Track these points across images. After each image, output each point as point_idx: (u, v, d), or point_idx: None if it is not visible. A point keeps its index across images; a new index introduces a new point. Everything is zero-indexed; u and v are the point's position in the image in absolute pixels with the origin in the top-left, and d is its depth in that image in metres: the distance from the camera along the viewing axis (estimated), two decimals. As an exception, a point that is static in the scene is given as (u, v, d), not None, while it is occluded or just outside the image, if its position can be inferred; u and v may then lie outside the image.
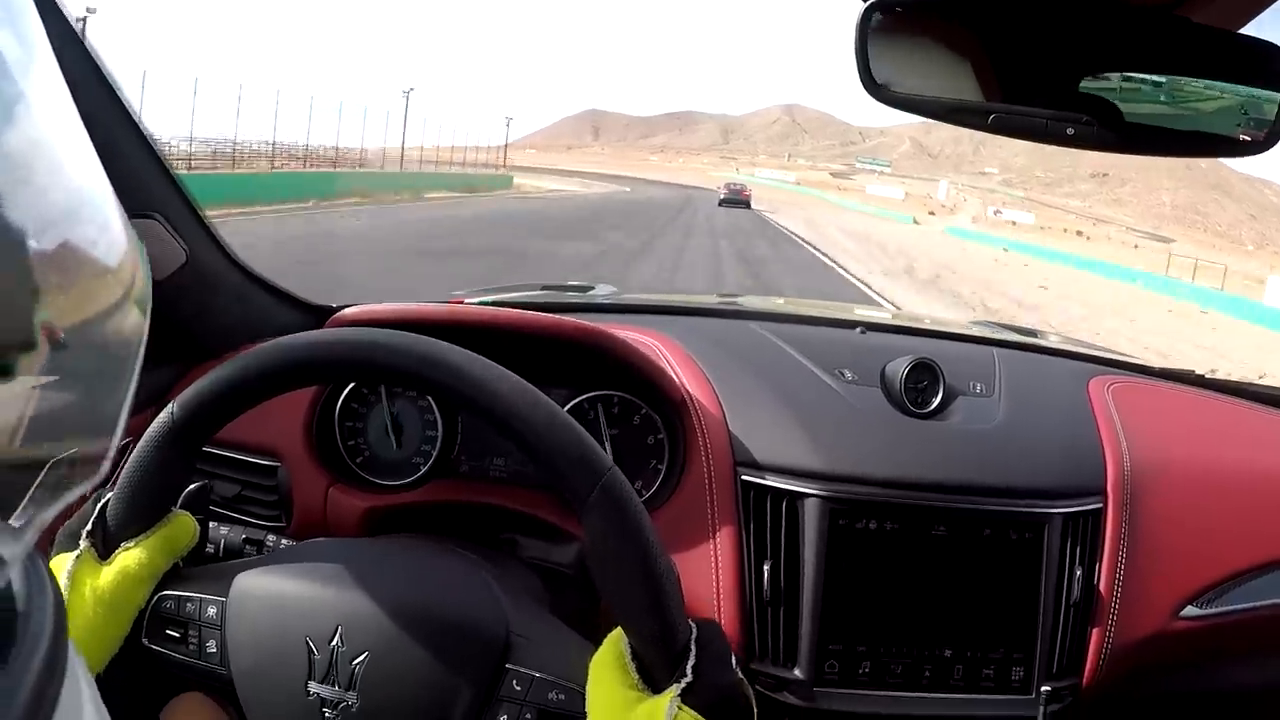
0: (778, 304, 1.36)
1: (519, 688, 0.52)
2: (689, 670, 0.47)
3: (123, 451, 0.92)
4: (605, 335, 0.86)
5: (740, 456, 0.84)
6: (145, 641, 0.55)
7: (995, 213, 59.26)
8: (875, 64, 0.58)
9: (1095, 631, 0.84)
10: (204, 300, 0.98)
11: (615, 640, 0.50)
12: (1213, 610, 0.87)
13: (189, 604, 0.54)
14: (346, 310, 0.90)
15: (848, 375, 0.92)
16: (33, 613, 0.24)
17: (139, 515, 0.54)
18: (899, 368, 0.89)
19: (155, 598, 0.55)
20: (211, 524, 0.71)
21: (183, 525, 0.57)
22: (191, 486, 0.60)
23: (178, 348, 0.98)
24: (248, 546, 0.73)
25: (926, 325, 1.25)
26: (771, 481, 0.82)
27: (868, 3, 0.56)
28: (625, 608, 0.48)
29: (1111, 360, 1.14)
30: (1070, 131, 0.56)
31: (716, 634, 0.51)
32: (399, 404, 0.92)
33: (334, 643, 0.51)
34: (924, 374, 0.89)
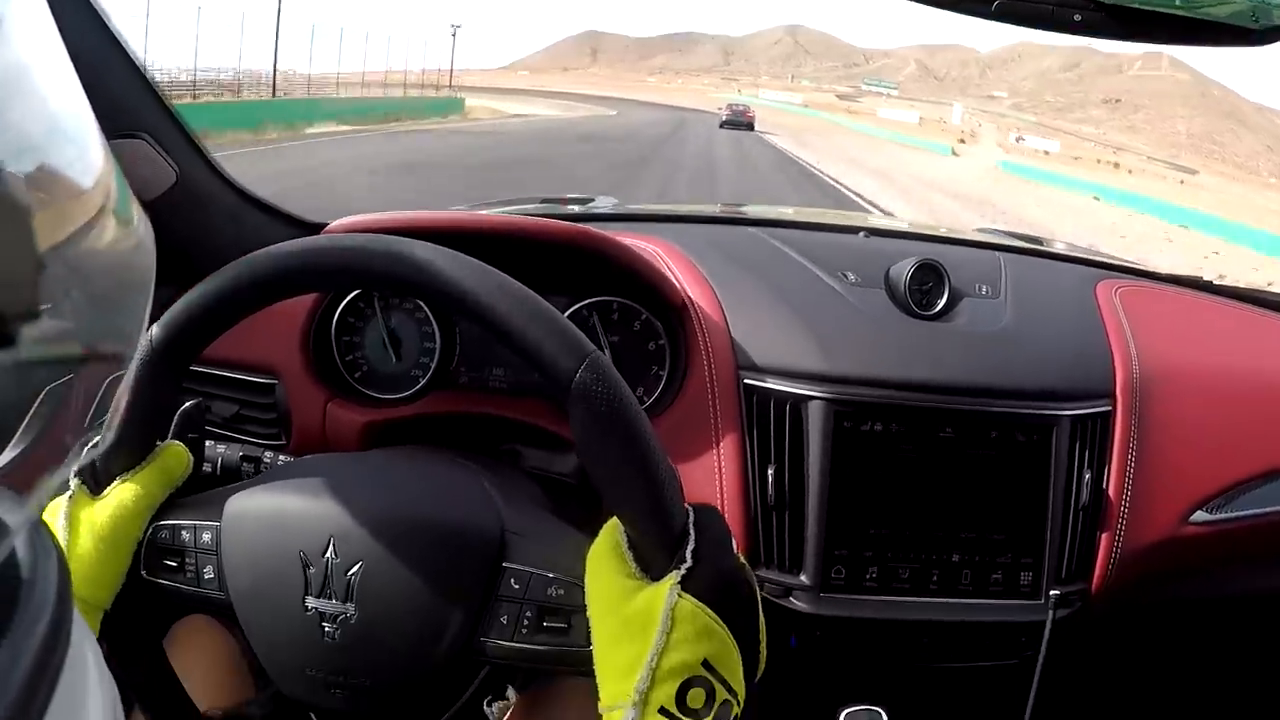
0: (783, 212, 1.33)
1: (516, 585, 0.51)
2: (688, 555, 0.45)
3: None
4: (603, 239, 0.84)
5: (742, 360, 0.83)
6: (144, 574, 0.54)
7: (1018, 139, 55.02)
8: None
9: (1104, 536, 0.84)
10: (196, 219, 0.97)
11: (611, 530, 0.49)
12: (1221, 516, 0.87)
13: (184, 532, 0.54)
14: (338, 221, 0.89)
15: (850, 277, 0.90)
16: (37, 581, 0.24)
17: (128, 445, 0.53)
18: (903, 269, 0.87)
19: (151, 529, 0.54)
20: (208, 442, 0.70)
21: (176, 455, 0.56)
22: (186, 405, 0.59)
23: (172, 269, 0.98)
24: (245, 464, 0.73)
25: (930, 231, 1.23)
26: (774, 385, 0.81)
27: None
28: (617, 493, 0.47)
29: (1118, 265, 1.12)
30: (1077, 17, 0.54)
31: (715, 518, 0.49)
32: (396, 316, 0.91)
33: (327, 555, 0.51)
34: (929, 275, 0.87)
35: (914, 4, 0.58)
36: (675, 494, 0.48)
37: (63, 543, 0.50)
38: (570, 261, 0.85)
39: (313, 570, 0.51)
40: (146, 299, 0.27)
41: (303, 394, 0.88)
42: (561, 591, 0.51)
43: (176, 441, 0.57)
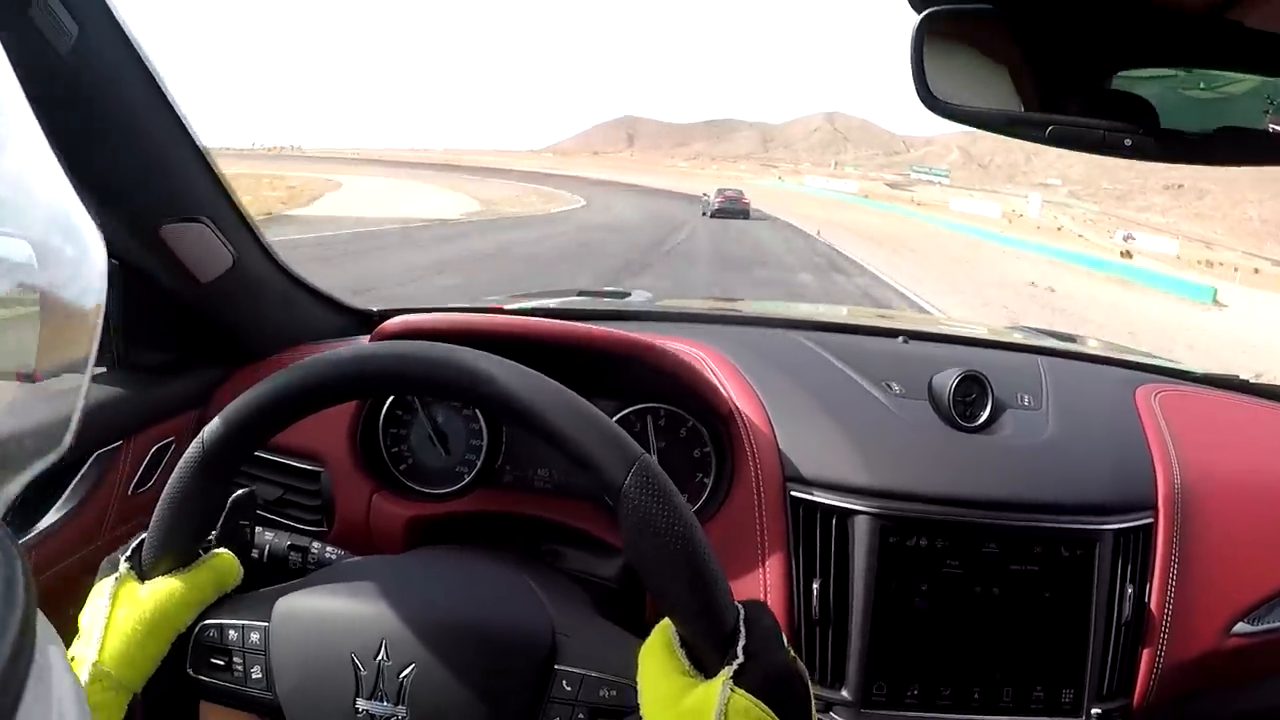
0: (820, 311, 1.34)
1: (569, 688, 0.51)
2: (740, 651, 0.45)
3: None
4: (653, 348, 0.85)
5: (789, 472, 0.83)
6: (190, 672, 0.55)
7: (1127, 239, 43.93)
8: (931, 76, 0.56)
9: (1146, 651, 0.81)
10: (249, 303, 1.00)
11: (663, 629, 0.49)
12: (1263, 627, 0.84)
13: (231, 631, 0.54)
14: (389, 322, 0.90)
15: (895, 388, 0.90)
16: (3, 581, 0.23)
17: (176, 542, 0.55)
18: (947, 380, 0.87)
19: (198, 627, 0.55)
20: (256, 529, 0.71)
21: (226, 564, 0.57)
22: (238, 494, 0.60)
23: (223, 350, 1.00)
24: (292, 553, 0.73)
25: (969, 332, 1.23)
26: (821, 498, 0.81)
27: (922, 14, 0.54)
28: (667, 592, 0.47)
29: (1154, 366, 1.11)
30: (1128, 142, 0.54)
31: (764, 614, 0.49)
32: (443, 413, 0.92)
33: (379, 657, 0.51)
34: (972, 386, 0.87)
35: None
36: (725, 593, 0.47)
37: (102, 618, 0.51)
38: (619, 367, 0.86)
39: (364, 672, 0.51)
40: (93, 343, 0.27)
41: (348, 484, 0.89)
42: (614, 693, 0.50)
43: (226, 550, 0.58)
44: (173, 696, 0.55)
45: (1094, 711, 0.79)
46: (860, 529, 0.79)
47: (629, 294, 1.49)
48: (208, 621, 0.55)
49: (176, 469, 0.53)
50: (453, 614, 0.53)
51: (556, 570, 0.81)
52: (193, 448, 0.53)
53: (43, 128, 0.69)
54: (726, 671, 0.44)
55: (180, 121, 0.81)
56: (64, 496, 0.83)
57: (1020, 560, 0.80)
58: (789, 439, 0.84)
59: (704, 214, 27.82)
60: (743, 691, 0.44)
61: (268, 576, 0.68)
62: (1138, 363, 1.12)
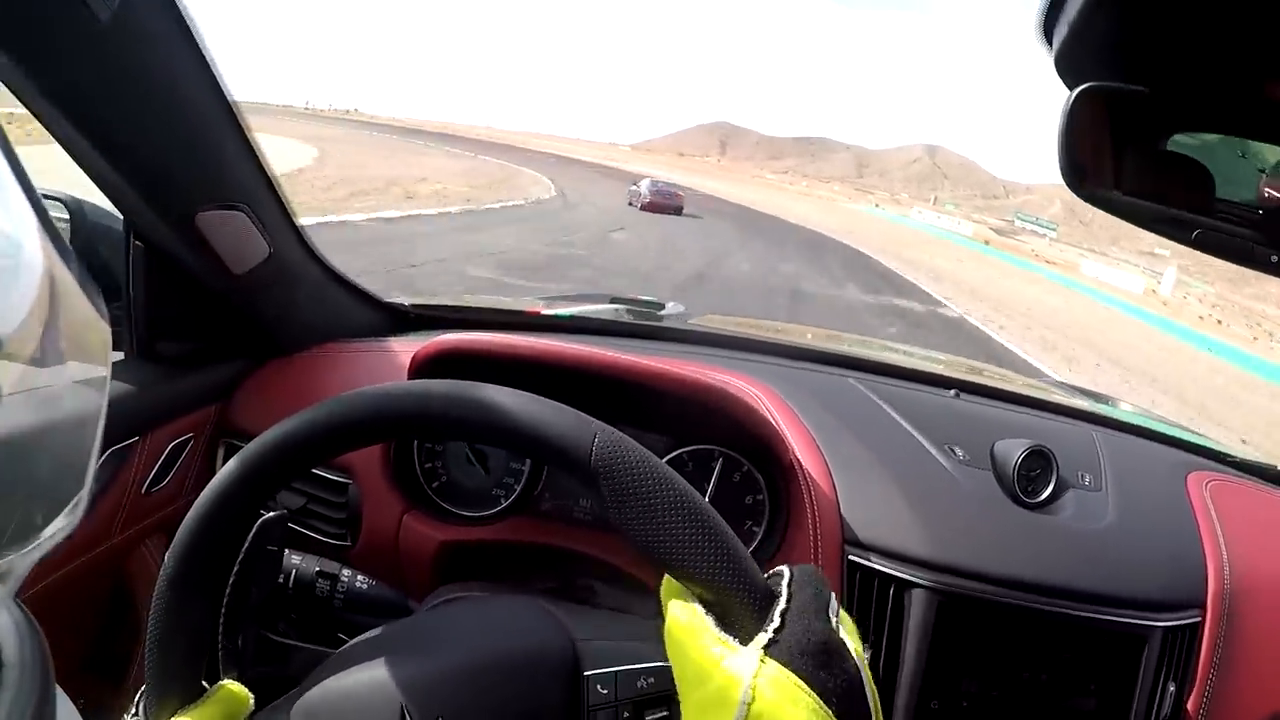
0: (873, 353, 1.28)
1: (604, 690, 0.49)
2: (776, 616, 0.41)
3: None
4: (718, 391, 0.81)
5: (848, 534, 0.80)
6: None
7: None
8: (1079, 155, 0.54)
9: None
10: (283, 296, 0.95)
11: (683, 600, 0.44)
12: None
13: None
14: (429, 344, 0.84)
15: (959, 454, 0.88)
16: (21, 663, 0.24)
17: (173, 683, 0.51)
18: (1012, 452, 0.86)
19: None
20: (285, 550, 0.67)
21: (234, 695, 0.53)
22: (267, 516, 0.56)
23: (249, 343, 0.96)
24: (320, 580, 0.69)
25: (1015, 388, 1.20)
26: (879, 565, 0.78)
27: (1075, 90, 0.51)
28: (671, 555, 0.43)
29: (1199, 446, 1.11)
30: (1274, 259, 0.51)
31: (813, 578, 0.44)
32: None
33: None
34: (1037, 461, 0.86)
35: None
36: (743, 551, 0.43)
37: None
38: (673, 402, 0.82)
39: None
40: (100, 412, 0.26)
41: (377, 499, 0.85)
42: (652, 679, 0.49)
43: (234, 683, 0.54)
44: None
45: None
46: (917, 602, 0.77)
47: (664, 305, 1.45)
48: None
49: (153, 598, 0.48)
50: (468, 657, 0.50)
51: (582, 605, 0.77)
52: (160, 579, 0.49)
53: (80, 99, 0.66)
54: (761, 639, 0.40)
55: (226, 101, 0.76)
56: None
57: (1071, 649, 0.79)
58: (849, 497, 0.82)
59: (630, 204, 23.14)
60: (774, 659, 0.39)
61: (293, 603, 0.65)
62: (1184, 441, 1.12)
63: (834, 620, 0.42)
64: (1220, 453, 1.11)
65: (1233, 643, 0.82)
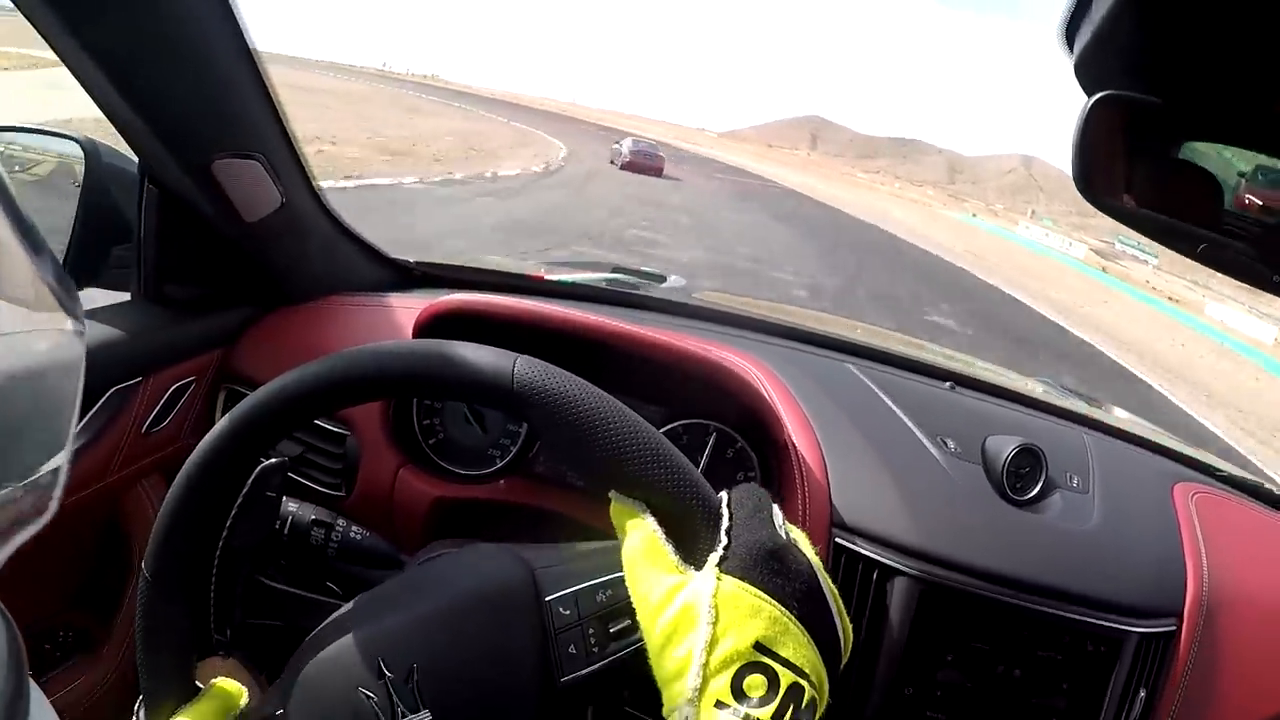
0: (874, 340, 1.28)
1: (566, 611, 0.49)
2: (723, 535, 0.42)
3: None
4: (716, 367, 0.82)
5: (835, 517, 0.81)
6: None
7: None
8: (1093, 163, 0.53)
9: None
10: (292, 246, 0.96)
11: (640, 524, 0.45)
12: None
13: None
14: (436, 303, 0.85)
15: (951, 446, 0.89)
16: None
17: (168, 685, 0.52)
18: (1003, 448, 0.86)
19: None
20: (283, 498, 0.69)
21: (229, 690, 0.54)
22: (267, 463, 0.57)
23: (256, 290, 0.97)
24: (315, 529, 0.70)
25: (1009, 383, 1.20)
26: (865, 549, 0.79)
27: (1093, 96, 0.50)
28: (627, 473, 0.44)
29: (1188, 457, 1.12)
30: (1277, 279, 0.51)
31: (753, 493, 0.46)
32: None
33: (382, 678, 0.49)
34: (1027, 459, 0.87)
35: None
36: (691, 469, 0.45)
37: None
38: (672, 374, 0.83)
39: (377, 699, 0.49)
40: (75, 400, 0.25)
41: (375, 451, 0.87)
42: (610, 592, 0.49)
43: (227, 679, 0.56)
44: None
45: None
46: (899, 590, 0.78)
47: (665, 278, 1.44)
48: None
49: (152, 531, 0.50)
50: (435, 604, 0.51)
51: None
52: (162, 512, 0.50)
53: (105, 40, 0.67)
54: (713, 558, 0.41)
55: (248, 49, 0.77)
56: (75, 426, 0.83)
57: (1047, 647, 0.80)
58: (840, 481, 0.82)
59: (612, 162, 23.38)
60: (729, 575, 0.40)
61: (286, 550, 0.67)
62: (1174, 450, 1.12)
63: (779, 528, 0.44)
64: (1209, 466, 1.11)
65: (1207, 654, 0.84)
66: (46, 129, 0.93)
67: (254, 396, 0.50)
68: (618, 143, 25.07)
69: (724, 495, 0.45)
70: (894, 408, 0.92)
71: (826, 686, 0.41)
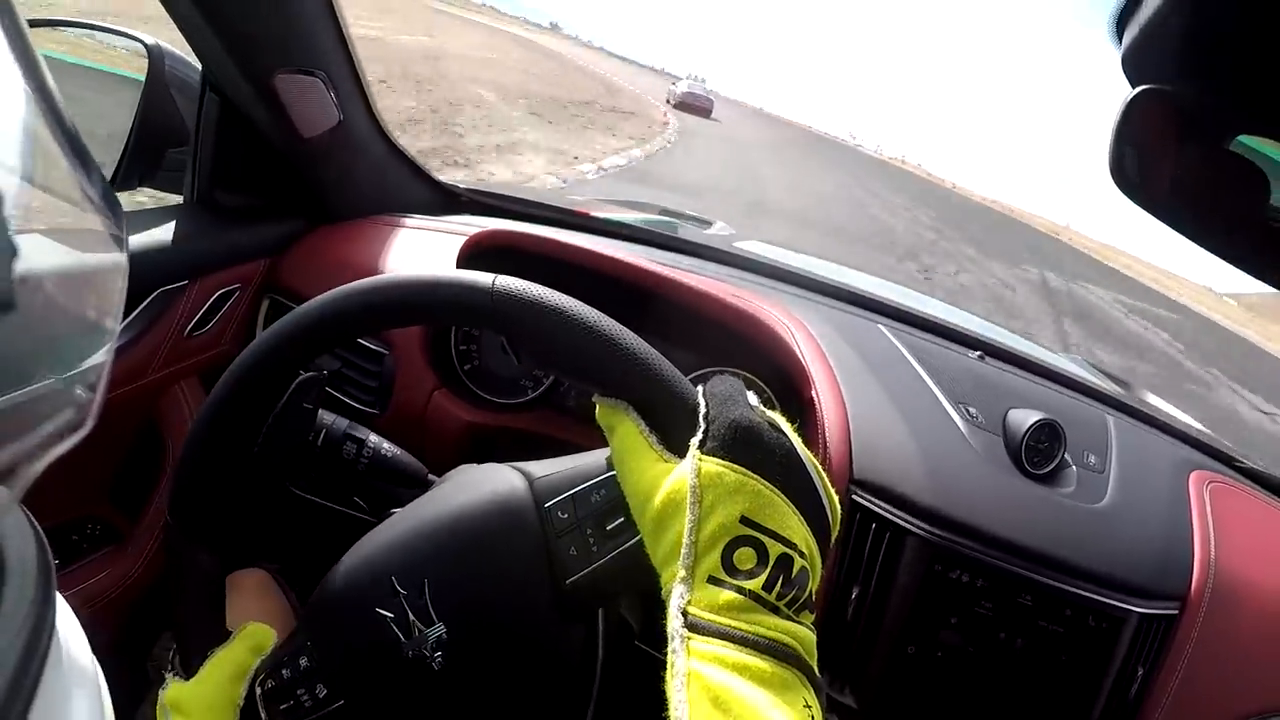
0: (910, 303, 1.27)
1: (564, 515, 0.51)
2: (700, 420, 0.44)
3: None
4: (750, 318, 0.83)
5: (854, 474, 0.82)
6: None
7: None
8: (1130, 153, 0.53)
9: None
10: (345, 163, 0.98)
11: (625, 422, 0.47)
12: None
13: (284, 671, 0.53)
14: (484, 231, 0.87)
15: (973, 414, 0.90)
16: (23, 566, 0.24)
17: (204, 628, 0.54)
18: (1023, 421, 0.87)
19: (256, 689, 0.54)
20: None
21: (261, 631, 0.55)
22: (307, 375, 0.59)
23: (305, 205, 0.99)
24: (348, 443, 0.71)
25: (1040, 356, 1.21)
26: (880, 508, 0.80)
27: (1137, 89, 0.49)
28: (610, 377, 0.46)
29: (1209, 447, 1.12)
30: None
31: (724, 381, 0.47)
32: None
33: (398, 595, 0.51)
34: (1046, 434, 0.87)
35: None
36: (668, 366, 0.47)
37: None
38: (706, 321, 0.85)
39: (392, 615, 0.51)
40: (118, 307, 0.26)
41: (410, 374, 0.88)
42: (604, 491, 0.50)
43: (258, 623, 0.57)
44: None
45: None
46: (910, 550, 0.79)
47: (711, 223, 1.44)
48: (260, 680, 0.54)
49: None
50: (437, 520, 0.53)
51: None
52: (167, 527, 0.53)
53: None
54: (693, 443, 0.43)
55: None
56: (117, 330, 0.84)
57: (1049, 619, 0.81)
58: (862, 439, 0.84)
59: (667, 100, 27.03)
60: (709, 457, 0.42)
61: (318, 461, 0.68)
62: (1195, 439, 1.12)
63: (754, 408, 0.45)
64: (1229, 457, 1.11)
65: (1209, 641, 0.85)
66: (116, 28, 0.93)
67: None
68: (674, 83, 28.97)
69: (700, 387, 0.47)
70: (921, 372, 0.94)
71: (819, 557, 0.43)
